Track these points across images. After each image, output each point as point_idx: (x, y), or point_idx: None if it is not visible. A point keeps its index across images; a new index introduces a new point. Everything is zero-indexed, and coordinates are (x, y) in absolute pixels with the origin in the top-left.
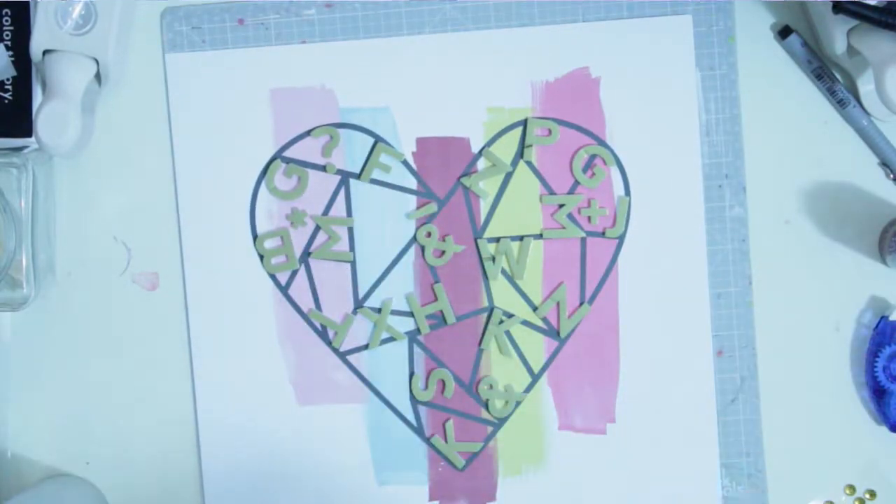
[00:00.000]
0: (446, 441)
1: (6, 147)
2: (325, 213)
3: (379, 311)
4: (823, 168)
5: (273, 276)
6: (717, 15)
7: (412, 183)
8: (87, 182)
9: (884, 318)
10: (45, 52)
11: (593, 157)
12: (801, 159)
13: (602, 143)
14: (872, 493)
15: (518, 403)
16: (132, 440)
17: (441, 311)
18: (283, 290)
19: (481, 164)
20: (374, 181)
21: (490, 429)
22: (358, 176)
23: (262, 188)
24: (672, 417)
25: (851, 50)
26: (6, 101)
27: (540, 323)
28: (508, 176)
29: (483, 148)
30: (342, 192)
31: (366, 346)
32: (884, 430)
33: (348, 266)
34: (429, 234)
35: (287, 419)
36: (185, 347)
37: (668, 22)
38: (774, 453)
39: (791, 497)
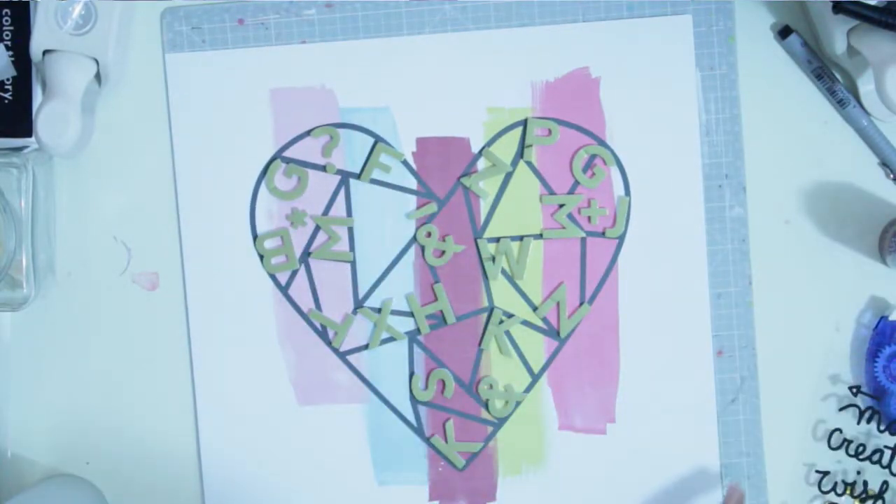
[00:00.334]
0: (446, 441)
1: (6, 147)
2: (325, 213)
3: (379, 311)
4: (823, 168)
5: (273, 276)
6: (717, 15)
7: (412, 183)
8: (87, 182)
9: (884, 318)
10: (45, 52)
11: (593, 157)
12: (801, 159)
13: (602, 143)
14: (874, 493)
15: (518, 403)
16: (132, 440)
17: (441, 311)
18: (283, 290)
19: (481, 164)
20: (374, 181)
21: (490, 429)
22: (358, 176)
23: (262, 188)
24: (672, 417)
25: (851, 50)
26: (6, 101)
27: (540, 323)
28: (508, 176)
29: (483, 148)
30: (342, 192)
31: (366, 346)
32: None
33: (348, 266)
34: (429, 234)
35: (287, 419)
36: (185, 347)
37: (668, 22)
38: (774, 453)
39: (791, 497)
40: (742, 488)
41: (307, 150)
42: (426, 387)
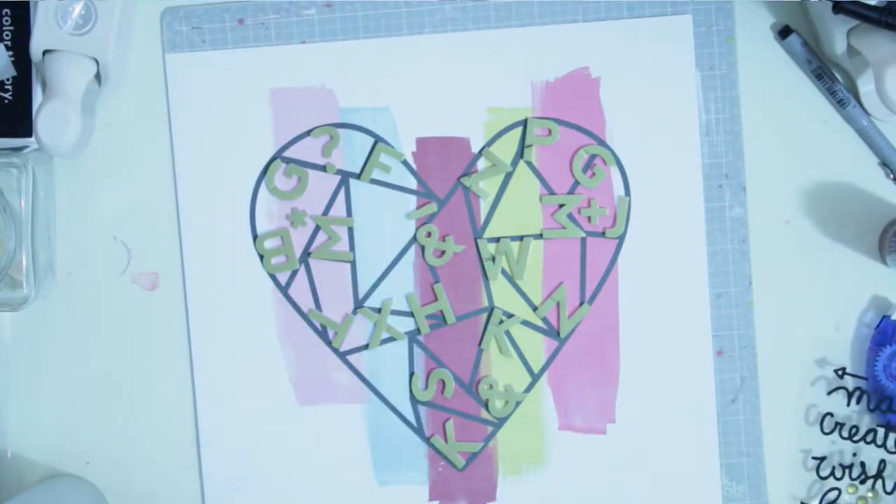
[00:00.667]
0: (446, 441)
1: (6, 147)
2: (325, 213)
3: (379, 311)
4: (823, 168)
5: (273, 276)
6: (717, 15)
7: (412, 183)
8: (87, 182)
9: (885, 317)
10: (45, 52)
11: (593, 157)
12: (801, 159)
13: (602, 143)
14: (875, 492)
15: (518, 403)
16: (132, 440)
17: (441, 311)
18: (283, 290)
19: (481, 164)
20: (374, 181)
21: (490, 429)
22: (358, 176)
23: (262, 188)
24: (672, 417)
25: (851, 50)
26: (6, 101)
27: (540, 323)
28: (508, 176)
29: (483, 148)
30: (342, 192)
31: (366, 346)
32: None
33: (348, 266)
34: (429, 234)
35: (287, 419)
36: (185, 347)
37: (668, 22)
38: (774, 453)
39: (791, 497)
40: None
41: (307, 150)
42: (426, 387)
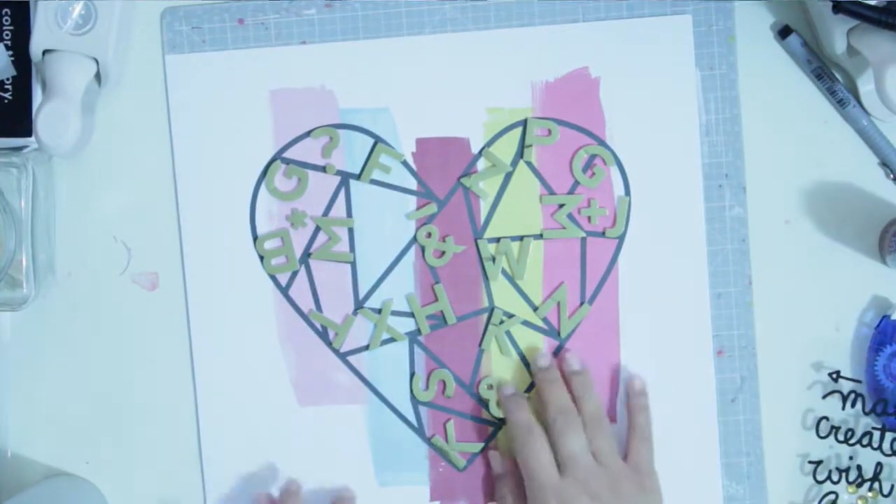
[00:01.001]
0: (447, 441)
1: (6, 147)
2: (326, 213)
3: (379, 311)
4: (823, 168)
5: (273, 277)
6: (717, 15)
7: (412, 183)
8: (87, 182)
9: (886, 317)
10: (45, 52)
11: (593, 157)
12: (801, 159)
13: (602, 143)
14: (875, 492)
15: None
16: (132, 440)
17: (441, 312)
18: (284, 290)
19: (481, 164)
20: (374, 182)
21: (491, 429)
22: (358, 177)
23: (262, 189)
24: (672, 417)
25: (851, 50)
26: (6, 101)
27: (540, 323)
28: (508, 176)
29: (483, 148)
30: (342, 193)
31: (366, 347)
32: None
33: (348, 267)
34: (429, 235)
35: (288, 420)
36: (185, 348)
37: (668, 22)
38: (774, 453)
39: (791, 497)
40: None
41: (307, 151)
42: (427, 387)
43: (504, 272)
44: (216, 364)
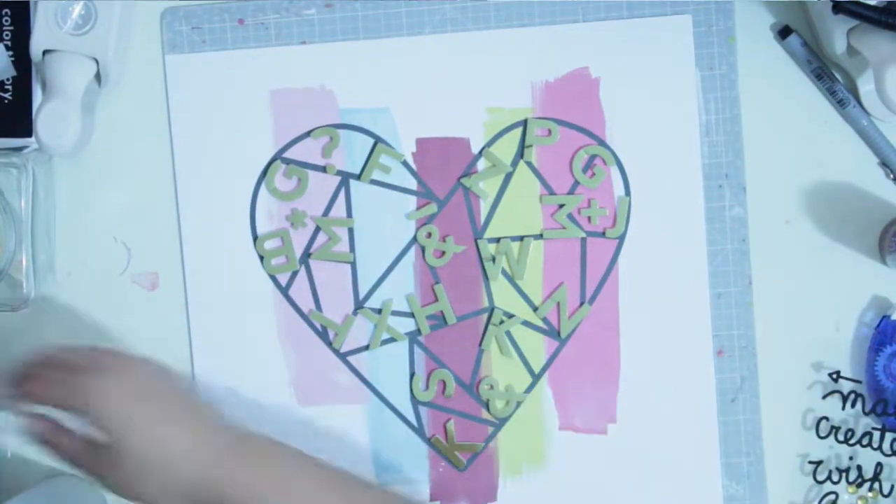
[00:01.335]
0: (447, 441)
1: (6, 147)
2: (326, 213)
3: (379, 311)
4: (823, 168)
5: (273, 277)
6: (717, 15)
7: (412, 183)
8: (87, 182)
9: (886, 317)
10: (45, 52)
11: (593, 157)
12: (801, 159)
13: (602, 143)
14: (875, 492)
15: (519, 404)
16: None
17: (441, 312)
18: (284, 290)
19: (481, 164)
20: (374, 182)
21: (491, 429)
22: (358, 177)
23: (262, 189)
24: (672, 417)
25: (851, 50)
26: (6, 101)
27: (540, 323)
28: (508, 176)
29: (483, 148)
30: (342, 193)
31: (366, 347)
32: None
33: (348, 267)
34: (429, 235)
35: (288, 420)
36: (185, 348)
37: (668, 22)
38: (774, 453)
39: (791, 497)
40: None
41: (307, 151)
42: (427, 387)
43: (504, 272)
44: (216, 364)
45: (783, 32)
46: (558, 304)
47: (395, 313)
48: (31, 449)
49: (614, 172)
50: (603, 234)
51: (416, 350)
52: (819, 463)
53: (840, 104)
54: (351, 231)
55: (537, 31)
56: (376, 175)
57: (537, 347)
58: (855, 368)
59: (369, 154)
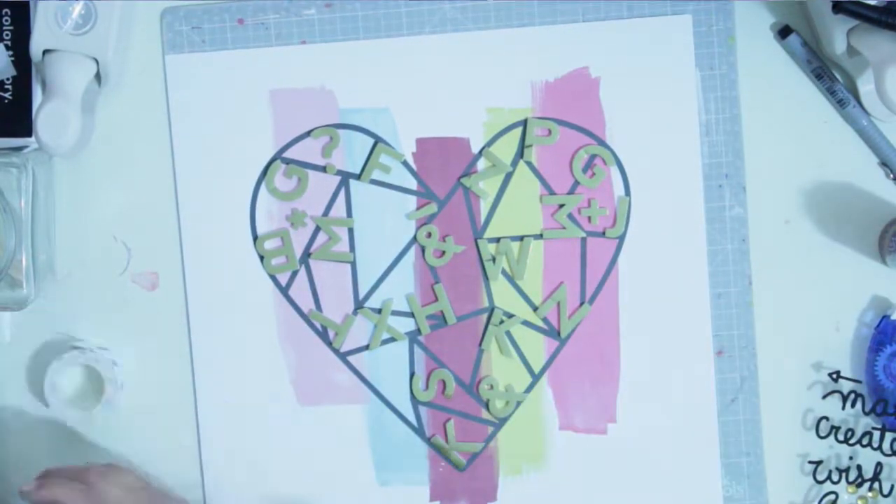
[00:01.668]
0: (447, 441)
1: (6, 147)
2: (326, 213)
3: (379, 311)
4: (823, 168)
5: (273, 277)
6: (717, 15)
7: (412, 183)
8: (87, 182)
9: (886, 317)
10: (45, 52)
11: (593, 157)
12: (801, 159)
13: (602, 143)
14: (875, 491)
15: (519, 403)
16: (132, 440)
17: (441, 312)
18: (284, 290)
19: (481, 164)
20: (374, 182)
21: (491, 429)
22: (358, 176)
23: (262, 189)
24: (672, 417)
25: (851, 50)
26: (6, 101)
27: (540, 323)
28: (508, 176)
29: (483, 148)
30: (342, 193)
31: (366, 347)
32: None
33: (348, 267)
34: (429, 235)
35: (288, 420)
36: (185, 348)
37: (668, 22)
38: (774, 453)
39: (791, 497)
40: None
41: (307, 151)
42: (427, 387)
43: (504, 272)
44: (216, 364)
45: (783, 32)
46: (558, 304)
47: (395, 313)
48: (31, 450)
49: (614, 172)
50: (603, 234)
51: (416, 350)
52: (819, 463)
53: (840, 104)
54: (351, 231)
55: (537, 31)
56: (376, 175)
57: (537, 347)
58: (855, 368)
59: (369, 154)
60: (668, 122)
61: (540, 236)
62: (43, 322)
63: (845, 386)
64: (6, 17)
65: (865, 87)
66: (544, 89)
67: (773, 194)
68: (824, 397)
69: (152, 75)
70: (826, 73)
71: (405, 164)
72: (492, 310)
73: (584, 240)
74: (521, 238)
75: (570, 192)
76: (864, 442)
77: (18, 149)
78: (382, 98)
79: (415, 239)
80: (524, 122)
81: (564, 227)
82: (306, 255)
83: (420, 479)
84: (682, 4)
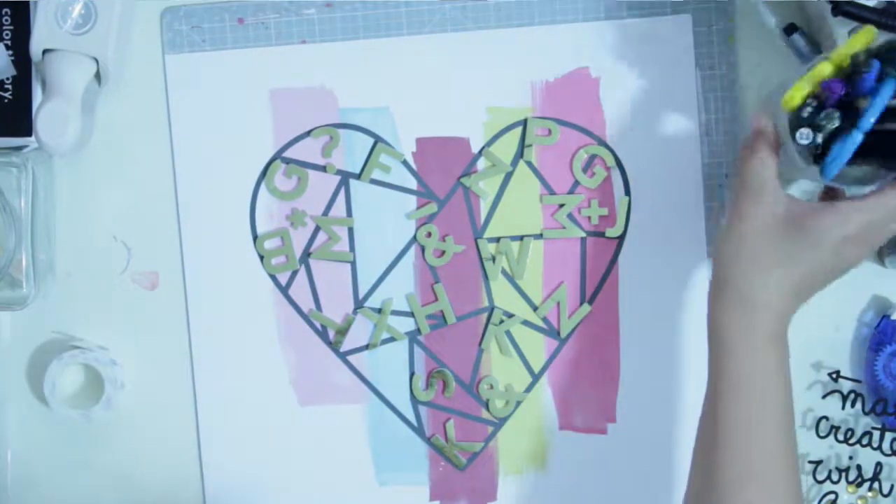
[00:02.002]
0: (447, 441)
1: (6, 147)
2: (326, 213)
3: (379, 311)
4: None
5: (273, 277)
6: (717, 15)
7: (412, 183)
8: (86, 182)
9: (885, 317)
10: (45, 52)
11: (593, 157)
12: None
13: (602, 143)
14: (875, 491)
15: (518, 403)
16: (132, 440)
17: (441, 311)
18: (284, 290)
19: (481, 164)
20: (374, 181)
21: (491, 429)
22: (358, 176)
23: (262, 188)
24: (672, 417)
25: None
26: (6, 101)
27: (540, 323)
28: (508, 176)
29: (483, 148)
30: (342, 193)
31: (366, 347)
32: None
33: (348, 266)
34: (429, 234)
35: (288, 420)
36: (185, 348)
37: (668, 22)
38: None
39: None
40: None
41: (307, 151)
42: (427, 387)
43: (504, 272)
44: (216, 364)
45: (788, 30)
46: (558, 303)
47: (395, 313)
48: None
49: (614, 172)
50: (603, 234)
51: (416, 350)
52: (819, 462)
53: None
54: (351, 230)
55: (537, 31)
56: (376, 174)
57: (537, 347)
58: (855, 368)
59: (369, 153)
60: (668, 122)
61: (540, 236)
62: (43, 322)
63: (845, 386)
64: (6, 17)
65: None
66: (544, 89)
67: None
68: (824, 397)
69: (152, 75)
70: None
71: (405, 163)
72: (492, 309)
73: (583, 240)
74: (521, 238)
75: (570, 192)
76: (864, 442)
77: (18, 149)
78: (382, 98)
79: (415, 238)
80: (524, 122)
81: (564, 227)
82: (306, 254)
83: (420, 478)
84: (682, 4)
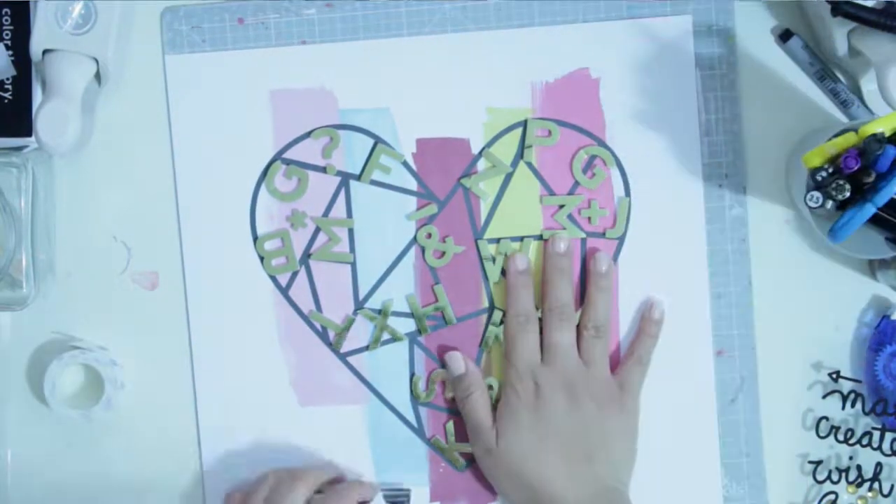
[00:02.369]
0: (447, 442)
1: (6, 147)
2: (326, 214)
3: (379, 312)
4: None
5: (273, 278)
6: (717, 15)
7: (412, 184)
8: (86, 182)
9: (885, 317)
10: (45, 52)
11: (593, 157)
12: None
13: (602, 143)
14: (875, 491)
15: None
16: (131, 441)
17: (441, 312)
18: (284, 291)
19: (481, 164)
20: (374, 182)
21: None
22: (358, 177)
23: (263, 189)
24: (672, 417)
25: (853, 50)
26: (6, 101)
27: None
28: (508, 177)
29: (483, 149)
30: (342, 194)
31: (366, 348)
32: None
33: (349, 267)
34: (429, 235)
35: (288, 420)
36: (185, 348)
37: (668, 22)
38: (774, 453)
39: (791, 497)
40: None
41: (307, 152)
42: (427, 388)
43: (504, 272)
44: (216, 365)
45: (784, 36)
46: None
47: (396, 314)
48: (31, 450)
49: (614, 173)
50: (603, 235)
51: (417, 350)
52: (819, 463)
53: (843, 105)
54: (351, 231)
55: (537, 31)
56: (376, 175)
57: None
58: (855, 368)
59: (369, 154)
60: (668, 122)
61: (540, 237)
62: (43, 322)
63: (845, 386)
64: (6, 17)
65: (869, 86)
66: (544, 89)
67: (773, 194)
68: (824, 397)
69: (152, 75)
70: (829, 74)
71: (405, 164)
72: (492, 310)
73: (584, 240)
74: (521, 239)
75: (570, 193)
76: (864, 442)
77: (18, 149)
78: (382, 98)
79: (415, 239)
80: (524, 123)
81: (564, 228)
82: (306, 255)
83: (420, 479)
84: (682, 4)
